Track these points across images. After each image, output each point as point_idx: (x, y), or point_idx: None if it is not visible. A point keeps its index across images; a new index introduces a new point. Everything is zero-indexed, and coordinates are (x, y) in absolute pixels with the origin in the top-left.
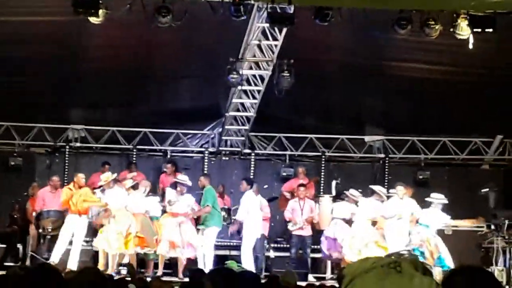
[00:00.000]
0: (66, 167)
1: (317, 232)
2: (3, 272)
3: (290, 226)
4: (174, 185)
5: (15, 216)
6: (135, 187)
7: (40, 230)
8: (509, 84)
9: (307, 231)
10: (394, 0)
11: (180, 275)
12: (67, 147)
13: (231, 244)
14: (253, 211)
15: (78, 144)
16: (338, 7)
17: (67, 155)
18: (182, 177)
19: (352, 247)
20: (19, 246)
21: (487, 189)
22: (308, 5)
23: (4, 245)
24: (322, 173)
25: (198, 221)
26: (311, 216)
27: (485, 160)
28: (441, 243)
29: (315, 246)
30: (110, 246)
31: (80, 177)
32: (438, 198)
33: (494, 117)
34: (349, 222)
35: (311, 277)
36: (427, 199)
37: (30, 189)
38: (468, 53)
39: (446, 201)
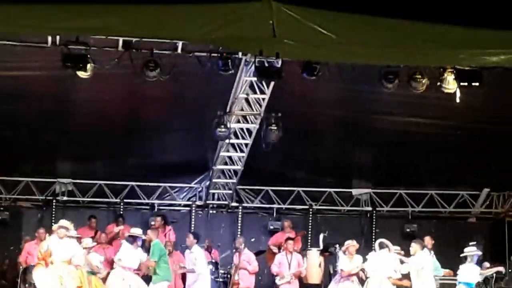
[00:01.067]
0: (53, 221)
1: (305, 286)
2: None
3: (277, 280)
4: (131, 239)
5: (5, 270)
6: None
7: (27, 285)
8: (496, 138)
9: (295, 285)
10: (381, 55)
11: None
12: (54, 201)
13: None
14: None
15: (65, 198)
16: (326, 62)
17: (54, 209)
18: (136, 230)
19: None
20: None
21: (474, 242)
22: (296, 59)
23: None
24: (310, 226)
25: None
26: (298, 270)
27: (472, 213)
28: None
29: None
30: None
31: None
32: (472, 251)
33: (481, 170)
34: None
35: None
36: (462, 255)
37: (23, 242)
38: (455, 106)
39: (480, 253)
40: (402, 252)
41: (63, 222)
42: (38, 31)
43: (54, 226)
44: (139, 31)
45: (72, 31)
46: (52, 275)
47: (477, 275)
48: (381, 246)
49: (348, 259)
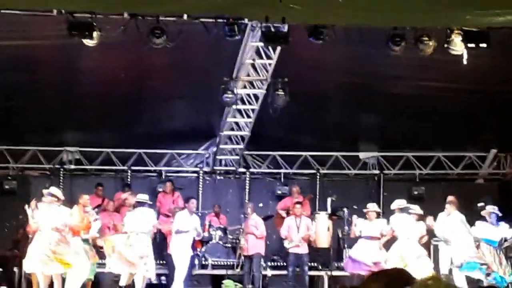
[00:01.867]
0: (61, 189)
1: (314, 250)
2: None
3: (286, 244)
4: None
5: (18, 239)
6: None
7: None
8: (503, 99)
9: (304, 249)
10: (388, 17)
11: None
12: (62, 169)
13: (228, 263)
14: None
15: (72, 167)
16: (332, 25)
17: (61, 178)
18: (142, 196)
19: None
20: (16, 269)
21: (483, 203)
22: (302, 24)
23: (1, 269)
24: (317, 191)
25: None
26: (307, 233)
27: (480, 174)
28: None
29: (312, 264)
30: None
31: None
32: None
33: (488, 132)
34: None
35: None
36: (482, 213)
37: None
38: (462, 68)
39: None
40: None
41: (52, 189)
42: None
43: (44, 191)
44: (143, 6)
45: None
46: (40, 242)
47: (498, 234)
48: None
49: (367, 222)
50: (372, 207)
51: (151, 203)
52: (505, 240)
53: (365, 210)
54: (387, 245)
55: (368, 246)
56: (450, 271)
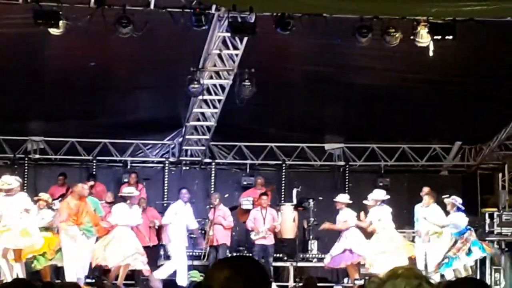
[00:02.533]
0: (26, 179)
1: (280, 241)
2: None
3: (252, 236)
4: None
5: None
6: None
7: None
8: (468, 91)
9: (270, 240)
10: (355, 7)
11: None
12: (26, 159)
13: (194, 253)
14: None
15: (37, 156)
16: (299, 16)
17: (26, 167)
18: (128, 189)
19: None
20: None
21: (447, 195)
22: (269, 14)
23: None
24: (283, 182)
25: None
26: (273, 225)
27: (444, 166)
28: None
29: (277, 255)
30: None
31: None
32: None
33: (453, 124)
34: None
35: (274, 286)
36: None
37: None
38: (428, 60)
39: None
40: None
41: (4, 177)
42: None
43: None
44: None
45: None
46: None
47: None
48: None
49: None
50: (342, 198)
51: (137, 194)
52: None
53: (335, 200)
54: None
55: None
56: (426, 266)
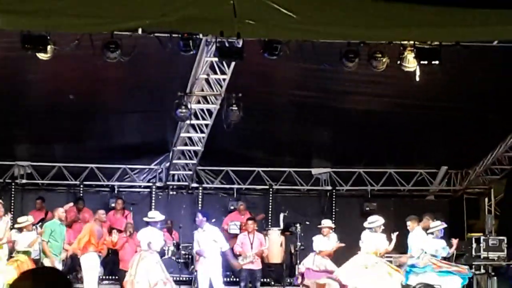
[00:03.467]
0: (12, 204)
1: (267, 266)
2: None
3: (240, 260)
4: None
5: None
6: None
7: None
8: (454, 116)
9: (257, 265)
10: (342, 33)
11: None
12: (13, 184)
13: (181, 278)
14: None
15: (24, 181)
16: (286, 41)
17: (13, 192)
18: (153, 214)
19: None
20: None
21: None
22: (257, 39)
23: None
24: (270, 206)
25: None
26: (261, 249)
27: (430, 191)
28: None
29: (265, 279)
30: None
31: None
32: (438, 225)
33: (439, 149)
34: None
35: None
36: (429, 231)
37: None
38: (414, 85)
39: (445, 225)
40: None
41: None
42: None
43: None
44: (97, 26)
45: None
46: None
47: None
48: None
49: (321, 238)
50: (326, 223)
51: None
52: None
53: (320, 226)
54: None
55: (322, 260)
56: None
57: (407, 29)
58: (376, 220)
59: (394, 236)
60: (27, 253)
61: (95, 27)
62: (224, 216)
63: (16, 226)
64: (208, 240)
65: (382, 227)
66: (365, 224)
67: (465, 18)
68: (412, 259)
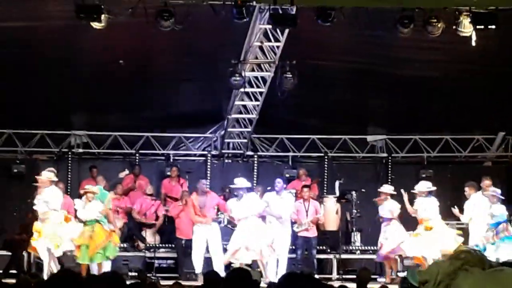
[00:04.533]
0: (69, 173)
1: (323, 234)
2: (12, 280)
3: (295, 228)
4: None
5: (28, 224)
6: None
7: None
8: (511, 81)
9: (313, 232)
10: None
11: None
12: (70, 153)
13: None
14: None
15: (80, 150)
16: (340, 7)
17: (69, 162)
18: (240, 181)
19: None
20: (25, 254)
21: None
22: (311, 6)
23: (10, 253)
24: (325, 174)
25: None
26: (316, 217)
27: (488, 157)
28: None
29: (320, 247)
30: None
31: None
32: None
33: (496, 114)
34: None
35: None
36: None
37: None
38: (470, 50)
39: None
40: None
41: (44, 172)
42: None
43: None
44: None
45: None
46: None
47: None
48: None
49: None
50: (388, 188)
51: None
52: None
53: (380, 190)
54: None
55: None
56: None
57: None
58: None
59: (455, 211)
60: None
61: None
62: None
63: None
64: (285, 206)
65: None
66: (422, 188)
67: None
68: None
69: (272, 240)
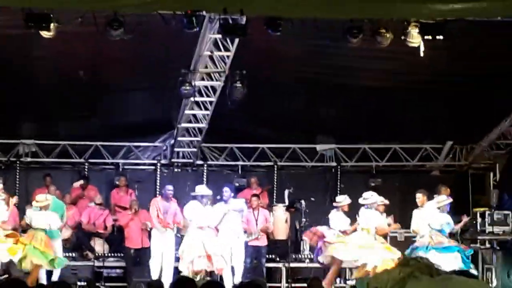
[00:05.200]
0: (17, 182)
1: (273, 242)
2: None
3: (245, 237)
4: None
5: None
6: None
7: None
8: (459, 91)
9: (263, 241)
10: (345, 9)
11: None
12: (18, 162)
13: None
14: None
15: (29, 159)
16: (289, 17)
17: (17, 171)
18: (200, 189)
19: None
20: None
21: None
22: (260, 16)
23: None
24: (275, 183)
25: None
26: (266, 225)
27: (436, 166)
28: None
29: (270, 256)
30: None
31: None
32: (444, 200)
33: (444, 124)
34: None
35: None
36: (436, 205)
37: None
38: (418, 60)
39: (451, 200)
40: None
41: None
42: None
43: None
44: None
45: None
46: None
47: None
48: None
49: (341, 215)
50: (344, 199)
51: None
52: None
53: (338, 204)
54: None
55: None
56: None
57: (411, 5)
58: (370, 197)
59: (389, 219)
60: (44, 230)
61: (97, 4)
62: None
63: (36, 205)
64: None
65: (382, 205)
66: (360, 200)
67: None
68: (419, 240)
69: (223, 250)
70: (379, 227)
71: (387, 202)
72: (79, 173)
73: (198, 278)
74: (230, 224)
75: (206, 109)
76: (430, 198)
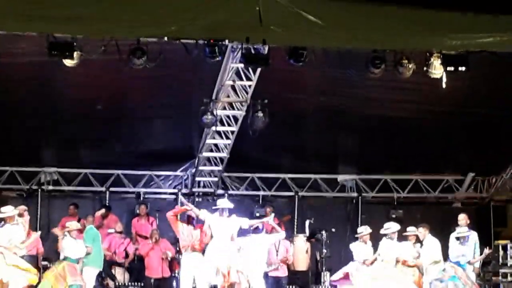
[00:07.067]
0: (39, 210)
1: (293, 273)
2: None
3: (266, 268)
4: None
5: None
6: None
7: None
8: (481, 122)
9: (283, 272)
10: (368, 40)
11: None
12: (40, 190)
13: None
14: None
15: (50, 187)
16: (312, 48)
17: (39, 198)
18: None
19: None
20: None
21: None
22: (283, 46)
23: None
24: (296, 213)
25: None
26: (286, 256)
27: (457, 198)
28: None
29: (290, 287)
30: None
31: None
32: (465, 232)
33: (466, 155)
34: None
35: None
36: (457, 235)
37: None
38: (441, 91)
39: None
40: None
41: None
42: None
43: None
44: (125, 30)
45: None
46: None
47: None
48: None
49: (363, 245)
50: (364, 230)
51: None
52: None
53: (358, 235)
54: None
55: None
56: None
57: (434, 37)
58: (389, 227)
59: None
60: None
61: (121, 33)
62: None
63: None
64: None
65: (413, 235)
66: (381, 231)
67: (493, 26)
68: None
69: (241, 265)
70: (400, 258)
71: (417, 232)
72: (101, 201)
73: None
74: (257, 253)
75: (228, 138)
76: (452, 230)
